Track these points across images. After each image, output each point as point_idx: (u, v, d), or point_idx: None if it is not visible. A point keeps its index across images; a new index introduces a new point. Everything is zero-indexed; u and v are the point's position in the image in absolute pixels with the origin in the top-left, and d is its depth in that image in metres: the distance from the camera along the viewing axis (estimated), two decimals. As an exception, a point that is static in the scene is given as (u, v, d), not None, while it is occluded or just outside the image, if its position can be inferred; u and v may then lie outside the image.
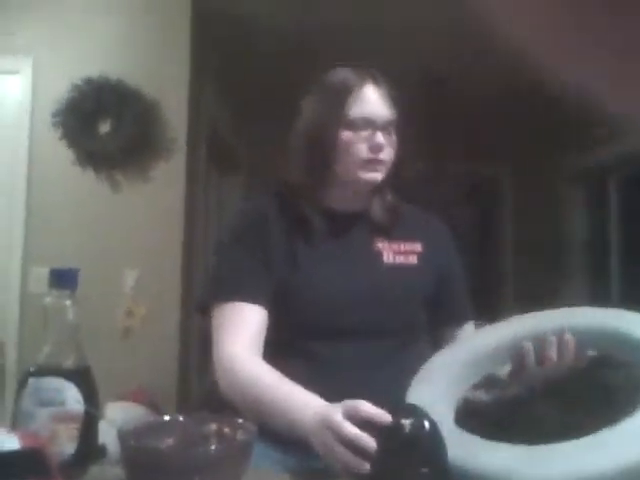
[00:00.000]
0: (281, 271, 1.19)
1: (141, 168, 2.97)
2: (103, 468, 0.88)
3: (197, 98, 3.22)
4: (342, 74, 1.23)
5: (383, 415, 0.80)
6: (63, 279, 0.88)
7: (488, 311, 1.36)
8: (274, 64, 3.47)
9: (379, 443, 0.73)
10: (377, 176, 1.20)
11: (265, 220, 1.23)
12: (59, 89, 2.91)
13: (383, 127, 1.19)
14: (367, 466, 0.78)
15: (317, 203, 1.24)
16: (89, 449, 0.86)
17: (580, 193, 4.96)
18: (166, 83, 3.01)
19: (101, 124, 2.94)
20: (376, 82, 1.22)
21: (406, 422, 0.73)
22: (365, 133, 1.18)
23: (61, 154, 2.95)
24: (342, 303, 1.17)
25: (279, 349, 1.16)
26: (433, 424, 0.73)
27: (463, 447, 0.74)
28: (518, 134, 4.50)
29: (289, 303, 1.17)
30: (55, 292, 0.88)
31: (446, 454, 0.72)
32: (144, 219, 2.95)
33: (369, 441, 0.79)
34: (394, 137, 1.22)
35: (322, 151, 1.20)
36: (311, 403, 0.96)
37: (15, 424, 0.84)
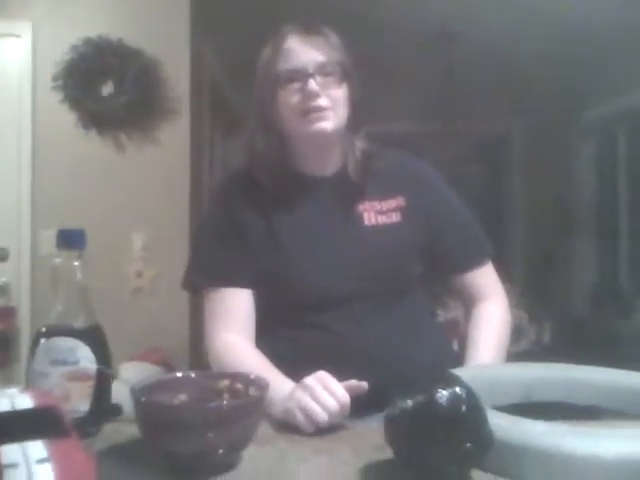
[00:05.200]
0: (262, 252, 1.17)
1: (145, 129, 2.95)
2: (118, 426, 0.89)
3: (199, 57, 3.17)
4: (278, 32, 1.19)
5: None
6: (71, 239, 0.88)
7: (498, 266, 1.33)
8: (277, 21, 3.39)
9: (415, 419, 0.69)
10: (324, 125, 1.13)
11: (238, 203, 1.21)
12: (60, 52, 2.88)
13: (317, 72, 1.12)
14: (327, 417, 0.89)
15: (286, 169, 1.21)
16: (103, 407, 0.86)
17: (590, 147, 4.90)
18: (167, 42, 2.96)
19: (103, 85, 2.90)
20: (303, 32, 1.16)
21: (443, 394, 0.68)
22: (298, 84, 1.13)
23: (64, 117, 2.92)
24: (326, 275, 1.15)
25: (277, 322, 1.17)
26: (472, 393, 0.69)
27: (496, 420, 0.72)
28: (527, 89, 4.41)
29: (276, 282, 1.16)
30: (64, 253, 0.88)
31: (489, 426, 0.68)
32: (150, 180, 2.94)
33: (344, 394, 0.91)
34: (344, 83, 1.16)
35: (265, 112, 1.17)
36: (286, 386, 1.00)
37: (28, 384, 0.85)
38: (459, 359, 1.21)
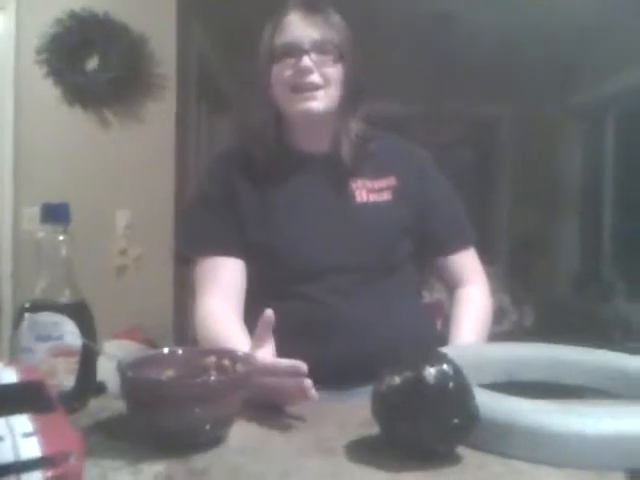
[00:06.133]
0: (253, 224, 1.18)
1: (130, 105, 2.91)
2: (103, 401, 0.88)
3: (185, 33, 3.12)
4: (282, 8, 1.19)
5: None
6: (55, 213, 0.87)
7: (482, 249, 1.34)
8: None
9: (403, 395, 0.69)
10: (313, 105, 1.14)
11: (231, 176, 1.22)
12: (44, 25, 2.82)
13: (312, 49, 1.13)
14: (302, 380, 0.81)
15: (280, 145, 1.21)
16: (89, 382, 0.86)
17: (576, 131, 4.91)
18: (153, 17, 2.91)
19: (88, 60, 2.86)
20: (304, 8, 1.16)
21: (430, 370, 0.69)
22: (292, 60, 1.14)
23: (48, 92, 2.87)
24: (316, 247, 1.16)
25: (266, 295, 1.16)
26: (459, 371, 0.70)
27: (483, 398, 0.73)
28: (516, 72, 4.41)
29: (265, 253, 1.17)
30: (48, 227, 0.86)
31: (476, 403, 0.70)
32: (135, 158, 2.90)
33: (281, 361, 0.85)
34: (339, 63, 1.15)
35: (261, 86, 1.18)
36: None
37: (13, 359, 0.84)
38: (442, 339, 1.22)
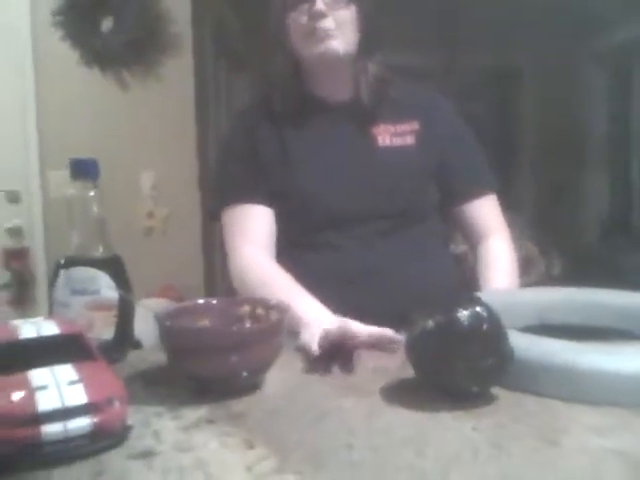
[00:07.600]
0: (276, 172, 1.19)
1: (148, 66, 2.89)
2: (141, 353, 0.91)
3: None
4: None
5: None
6: (85, 169, 0.87)
7: (510, 199, 1.33)
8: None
9: (437, 338, 0.70)
10: (329, 45, 1.13)
11: (254, 128, 1.23)
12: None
13: None
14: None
15: (300, 93, 1.22)
16: (127, 333, 0.88)
17: (602, 77, 4.78)
18: (166, -26, 2.86)
19: (103, 21, 2.83)
20: None
21: (464, 313, 0.69)
22: (306, 5, 1.13)
23: (67, 54, 2.86)
24: (339, 194, 1.17)
25: (291, 244, 1.19)
26: (493, 312, 0.71)
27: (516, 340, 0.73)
28: (536, 19, 4.28)
29: (289, 202, 1.18)
30: (78, 184, 0.87)
31: (509, 344, 0.70)
32: (156, 118, 2.89)
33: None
34: (352, 5, 1.15)
35: (278, 34, 1.19)
36: (316, 305, 1.01)
37: (51, 314, 0.86)
38: (471, 285, 1.22)
